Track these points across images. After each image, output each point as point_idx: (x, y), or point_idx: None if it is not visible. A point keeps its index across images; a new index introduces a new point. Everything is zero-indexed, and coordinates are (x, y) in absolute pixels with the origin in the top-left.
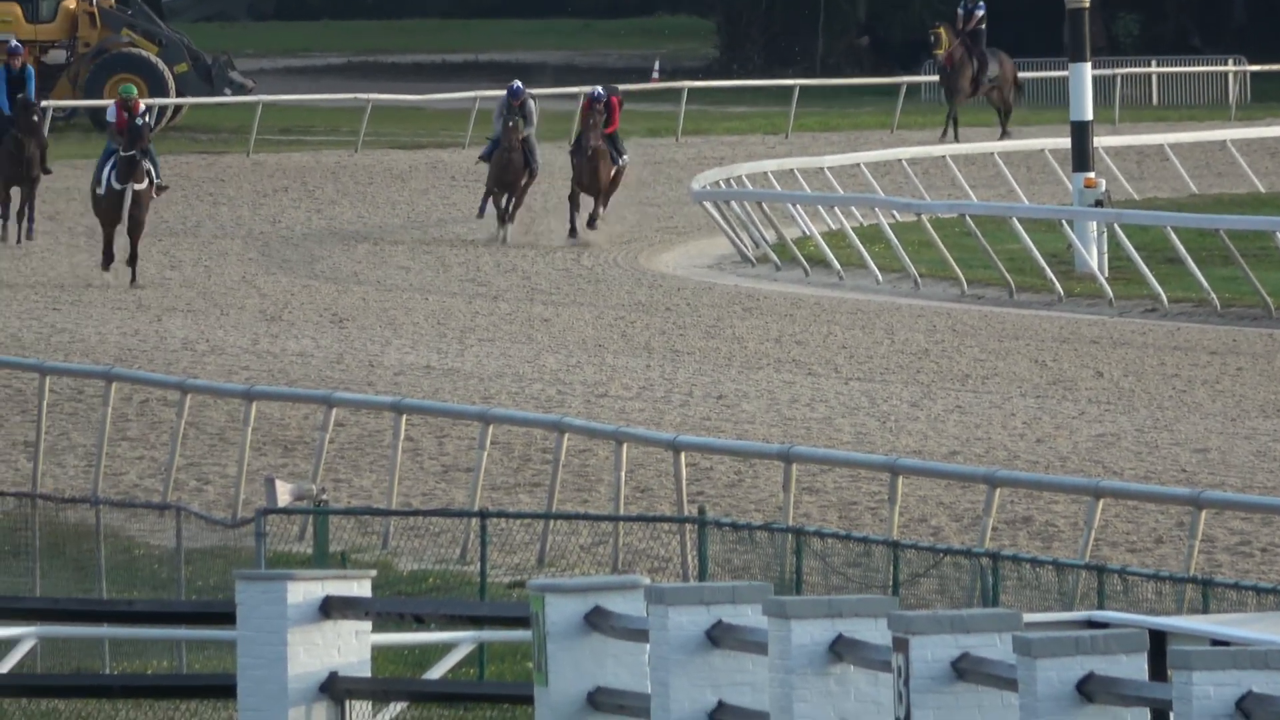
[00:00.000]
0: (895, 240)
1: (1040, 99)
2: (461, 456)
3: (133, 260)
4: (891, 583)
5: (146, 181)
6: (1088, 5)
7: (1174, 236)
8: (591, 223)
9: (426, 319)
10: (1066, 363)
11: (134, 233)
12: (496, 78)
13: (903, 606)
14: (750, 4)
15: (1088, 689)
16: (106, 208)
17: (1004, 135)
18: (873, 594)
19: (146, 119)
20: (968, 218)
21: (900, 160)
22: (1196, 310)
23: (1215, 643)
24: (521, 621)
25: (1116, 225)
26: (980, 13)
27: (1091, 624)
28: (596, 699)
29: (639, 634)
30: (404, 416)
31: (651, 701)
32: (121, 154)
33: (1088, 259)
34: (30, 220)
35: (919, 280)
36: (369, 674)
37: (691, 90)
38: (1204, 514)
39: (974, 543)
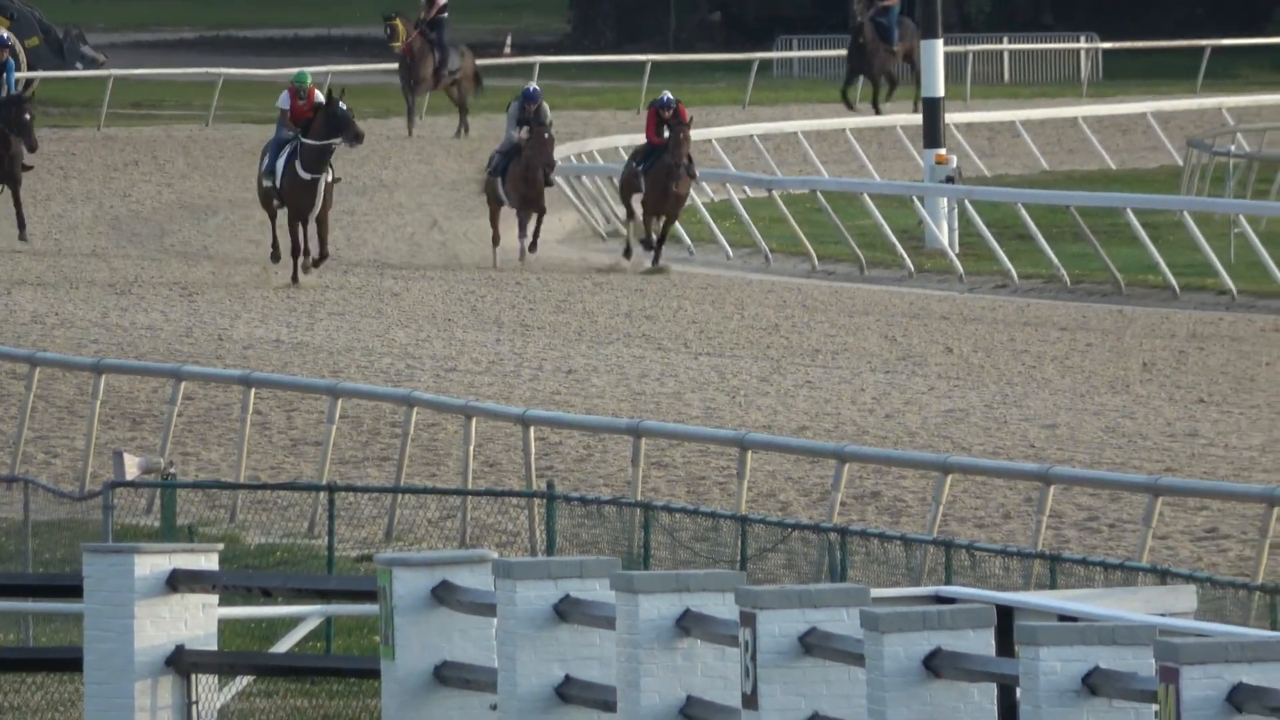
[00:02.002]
0: (746, 216)
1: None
2: (310, 430)
3: (324, 242)
4: (739, 557)
5: (332, 173)
6: None
7: (1024, 213)
8: (658, 248)
9: (276, 292)
10: (916, 338)
11: (324, 220)
12: (349, 52)
13: (750, 581)
14: None
15: (935, 664)
16: (294, 197)
17: (461, 131)
18: (720, 569)
19: (347, 106)
20: (819, 194)
21: (752, 136)
22: (1046, 286)
23: (1062, 618)
24: (369, 595)
25: (967, 201)
26: (442, 0)
27: (939, 599)
28: (443, 673)
29: (486, 608)
30: (252, 390)
31: (498, 675)
32: (312, 142)
33: (938, 235)
34: (22, 220)
35: (770, 256)
36: (215, 647)
37: (543, 65)
38: (1052, 490)
39: (822, 518)
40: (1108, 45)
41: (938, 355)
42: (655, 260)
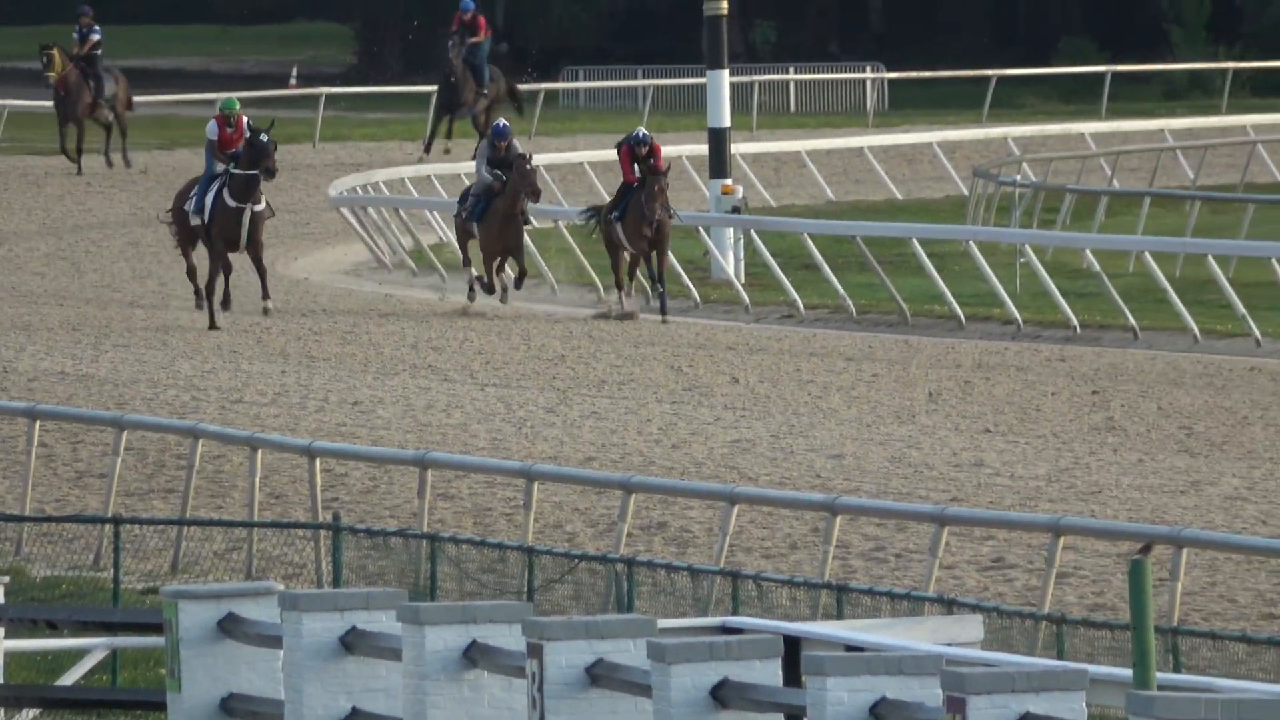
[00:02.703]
0: (533, 246)
1: (678, 106)
2: (95, 462)
3: (263, 275)
4: (526, 589)
5: (264, 202)
6: (725, 12)
7: (810, 243)
8: (659, 292)
9: (61, 325)
10: (703, 369)
11: (257, 254)
12: (133, 84)
13: (537, 613)
14: (388, 10)
15: (722, 694)
16: (222, 228)
17: (107, 160)
18: (507, 600)
19: (271, 137)
20: None
21: (538, 166)
22: (833, 317)
23: (849, 648)
24: (155, 628)
25: (753, 232)
26: (96, 37)
27: (726, 630)
28: (230, 705)
29: (273, 640)
30: (37, 422)
31: (285, 708)
32: (239, 171)
33: (724, 265)
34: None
35: (556, 287)
36: (1, 680)
37: (329, 96)
38: (838, 520)
39: (609, 549)
40: (893, 75)
41: (724, 386)
42: (663, 309)
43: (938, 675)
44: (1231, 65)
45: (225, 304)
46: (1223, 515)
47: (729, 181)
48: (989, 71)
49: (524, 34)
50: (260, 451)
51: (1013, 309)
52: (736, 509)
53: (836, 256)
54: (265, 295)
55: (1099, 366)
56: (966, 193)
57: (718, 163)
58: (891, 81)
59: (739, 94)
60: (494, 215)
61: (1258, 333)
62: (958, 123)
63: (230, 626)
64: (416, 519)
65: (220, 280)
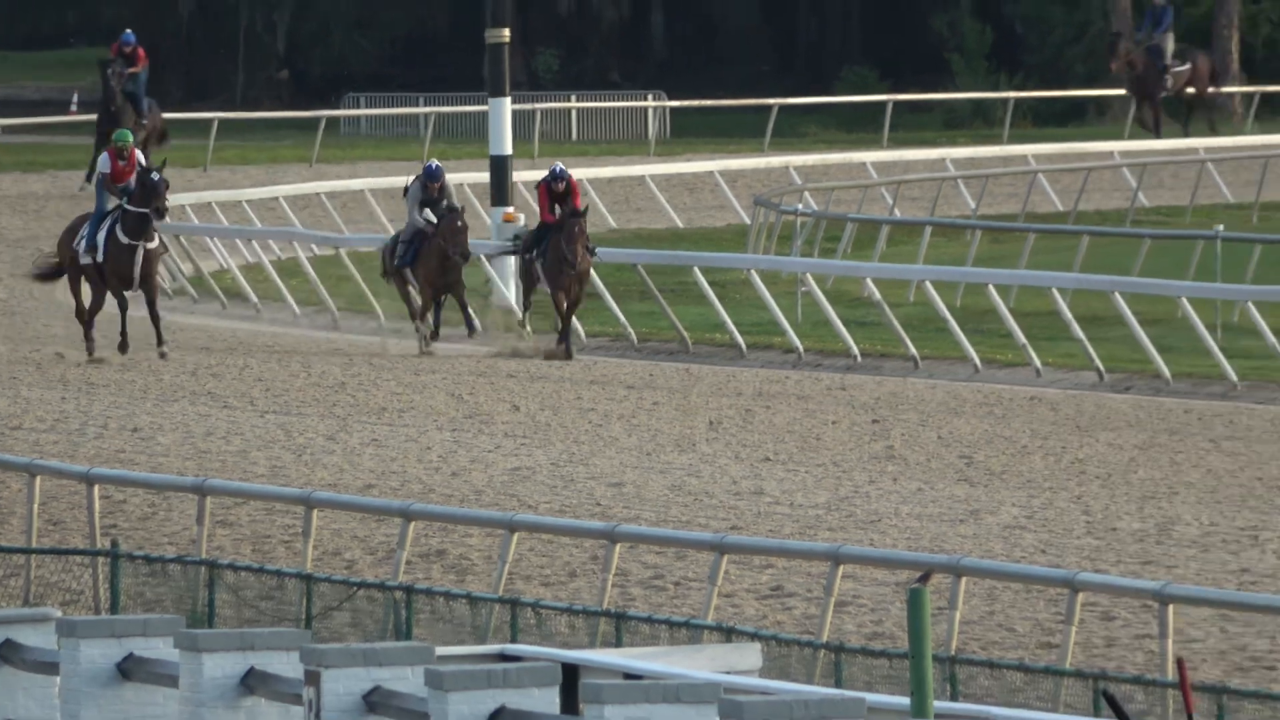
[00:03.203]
0: (313, 274)
1: (460, 133)
2: None
3: (156, 321)
4: (305, 616)
5: (157, 239)
6: (507, 40)
7: (592, 271)
8: (565, 341)
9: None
10: (483, 396)
11: (152, 294)
12: None
13: (316, 640)
14: (170, 36)
15: None
16: (115, 265)
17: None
18: (286, 627)
19: (163, 175)
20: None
21: (319, 194)
22: (614, 344)
23: (628, 676)
24: None
25: None
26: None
27: (504, 657)
28: None
29: (49, 667)
30: None
31: None
32: (132, 209)
33: (505, 293)
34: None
35: (337, 314)
36: None
37: None
38: (618, 548)
39: (388, 576)
40: (675, 103)
41: (504, 413)
42: (566, 350)
43: (716, 703)
44: (1012, 95)
45: (123, 346)
46: (1001, 544)
47: (511, 209)
48: (770, 100)
49: (305, 60)
50: (39, 478)
51: (794, 337)
52: (516, 536)
53: (618, 284)
54: (159, 341)
55: (879, 395)
56: (748, 221)
57: (499, 191)
58: (673, 110)
59: (521, 122)
60: (428, 257)
61: (1038, 362)
62: (739, 151)
63: (7, 653)
64: (195, 545)
65: (105, 311)
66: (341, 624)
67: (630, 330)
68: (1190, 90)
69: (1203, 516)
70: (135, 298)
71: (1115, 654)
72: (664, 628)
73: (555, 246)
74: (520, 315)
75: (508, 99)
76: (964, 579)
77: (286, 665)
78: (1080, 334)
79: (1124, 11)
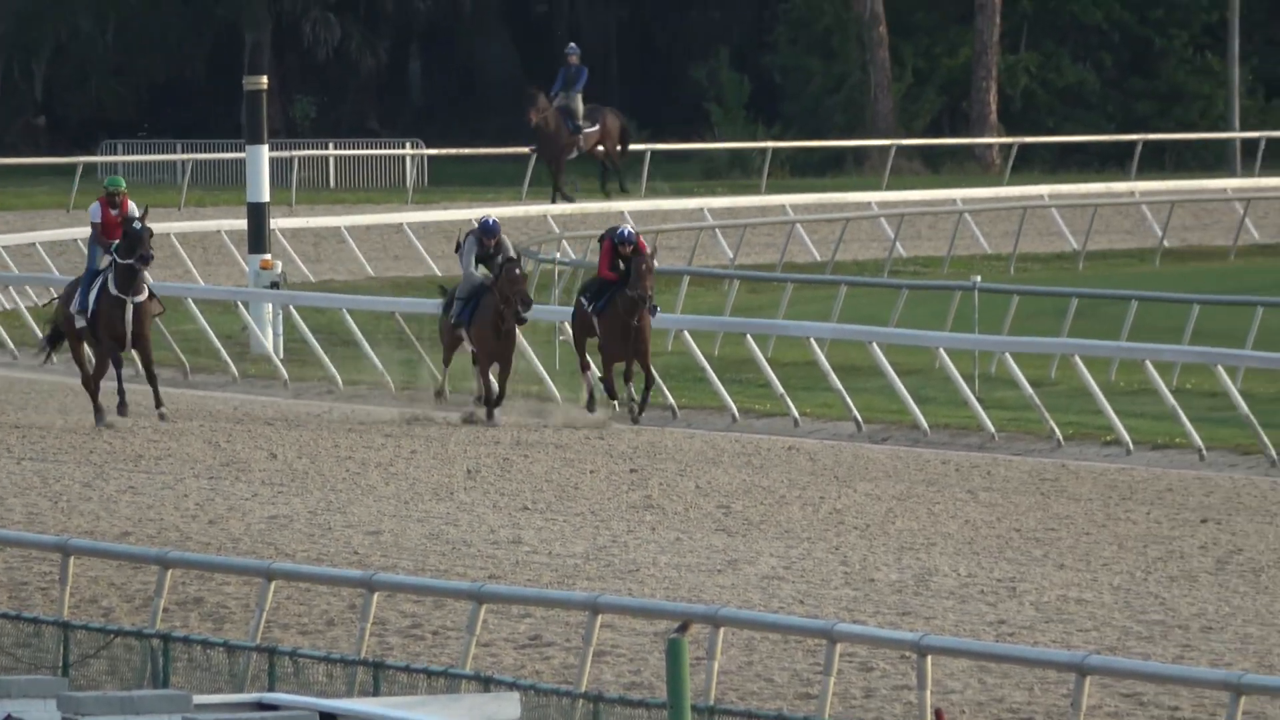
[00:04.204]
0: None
1: (217, 180)
2: None
3: (153, 382)
4: (62, 663)
5: (148, 292)
6: (265, 87)
7: (349, 319)
8: (642, 406)
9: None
10: (240, 444)
11: (145, 353)
12: None
13: (73, 687)
14: None
15: None
16: (106, 322)
17: None
18: (42, 674)
19: (145, 222)
20: None
21: (77, 240)
22: (371, 392)
23: None
24: None
25: (292, 307)
26: None
27: (262, 706)
28: None
29: None
30: None
31: None
32: (120, 260)
33: (263, 340)
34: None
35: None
36: None
37: None
38: (376, 596)
39: (145, 624)
40: (433, 151)
41: (262, 461)
42: (638, 414)
43: None
44: (770, 145)
45: (121, 408)
46: (760, 594)
47: (268, 257)
48: (528, 149)
49: (63, 105)
50: None
51: (552, 386)
52: (274, 585)
53: (375, 332)
54: (158, 403)
55: (637, 445)
56: None
57: (257, 238)
58: (431, 158)
59: (278, 169)
60: (484, 317)
61: (795, 412)
62: (498, 199)
63: None
64: None
65: (110, 372)
66: (99, 671)
67: (388, 378)
68: (600, 149)
69: (960, 567)
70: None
71: (873, 705)
72: (422, 676)
73: (620, 299)
74: (276, 360)
75: (265, 146)
76: (722, 629)
77: (44, 713)
78: (838, 384)
79: (882, 63)
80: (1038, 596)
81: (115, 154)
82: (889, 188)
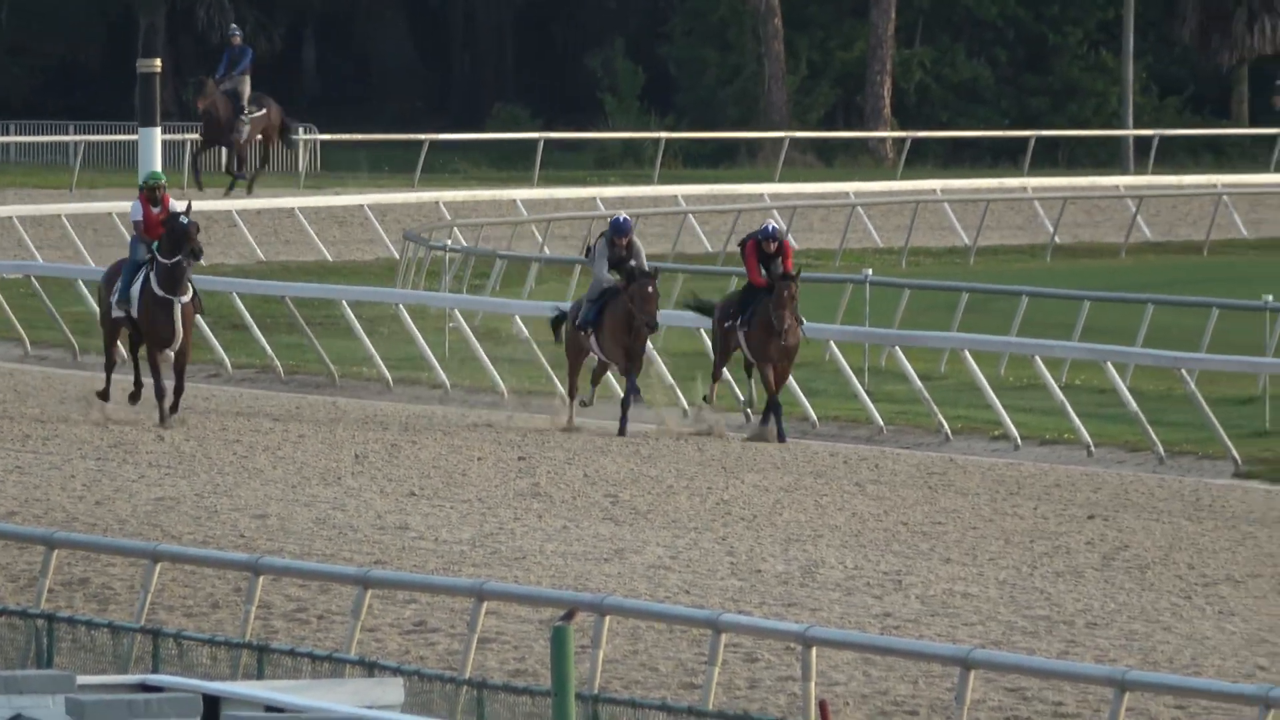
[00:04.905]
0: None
1: (111, 163)
2: None
3: (180, 392)
4: None
5: (192, 291)
6: (159, 70)
7: (239, 303)
8: (776, 419)
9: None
10: (128, 426)
11: (184, 355)
12: None
13: None
14: None
15: None
16: (152, 324)
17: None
18: None
19: (190, 216)
20: (33, 279)
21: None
22: (260, 376)
23: (269, 709)
24: None
25: None
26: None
27: (145, 687)
28: None
29: None
30: None
31: None
32: (165, 260)
33: None
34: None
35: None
36: None
37: None
38: (261, 580)
39: (30, 604)
40: (326, 137)
41: (150, 443)
42: (778, 431)
43: None
44: (664, 135)
45: (173, 408)
46: (646, 584)
47: None
48: (422, 136)
49: None
50: None
51: (441, 373)
52: (159, 566)
53: (265, 316)
54: (174, 409)
55: (526, 432)
56: (397, 256)
57: None
58: (324, 143)
59: (171, 152)
60: (614, 317)
61: (685, 403)
62: (390, 186)
63: None
64: None
65: (162, 383)
66: None
67: (277, 362)
68: (260, 137)
69: (847, 560)
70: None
71: (758, 695)
72: (306, 661)
73: (764, 314)
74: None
75: (158, 129)
76: (607, 617)
77: None
78: (728, 375)
79: (777, 55)
80: (923, 590)
81: (6, 135)
82: (782, 180)
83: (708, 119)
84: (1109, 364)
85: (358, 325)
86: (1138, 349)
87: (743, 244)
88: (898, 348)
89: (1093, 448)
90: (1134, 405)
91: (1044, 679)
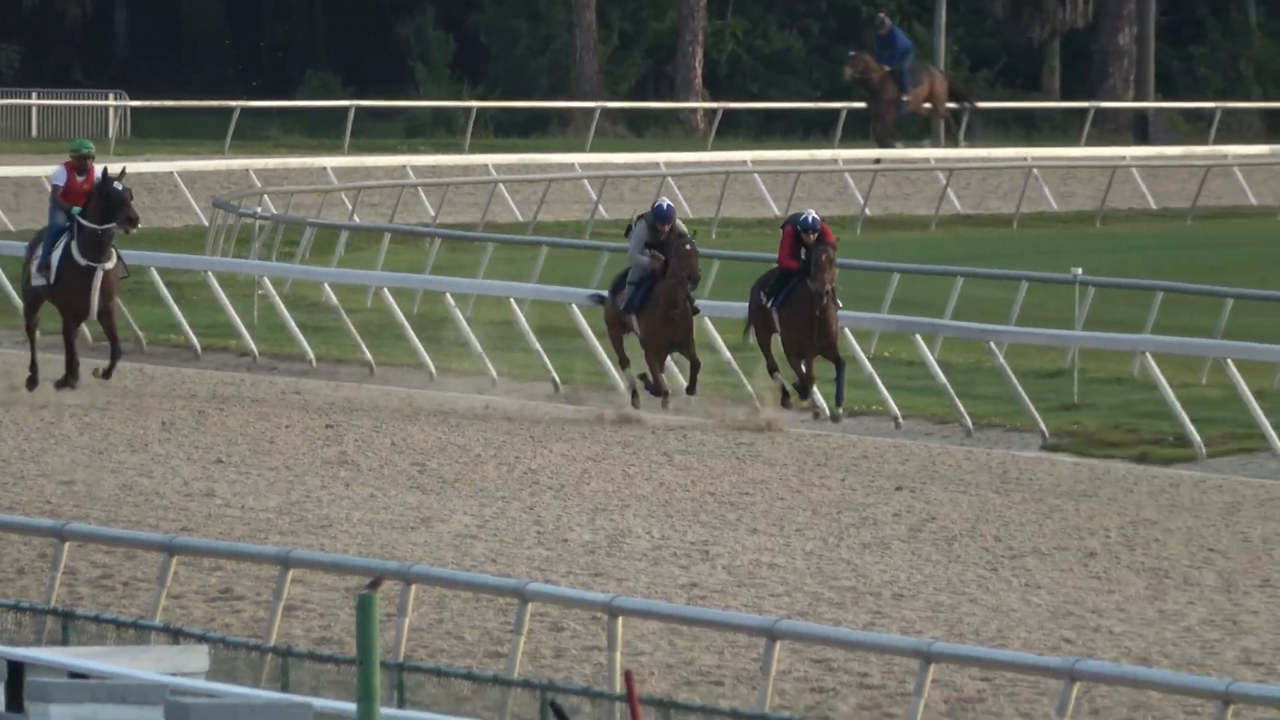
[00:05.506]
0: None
1: None
2: None
3: (116, 356)
4: None
5: (115, 257)
6: None
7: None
8: (806, 392)
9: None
10: None
11: (111, 326)
12: None
13: None
14: None
15: None
16: (69, 292)
17: None
18: None
19: (124, 183)
20: None
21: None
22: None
23: (73, 675)
24: None
25: None
26: None
27: None
28: None
29: None
30: None
31: None
32: (90, 225)
33: None
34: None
35: None
36: None
37: None
38: (67, 546)
39: None
40: (136, 103)
41: None
42: (833, 409)
43: (162, 705)
44: (475, 104)
45: (71, 376)
46: (453, 552)
47: None
48: (233, 103)
49: None
50: None
51: (249, 341)
52: None
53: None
54: (113, 356)
55: (334, 400)
56: (206, 223)
57: None
58: (135, 109)
59: None
60: (656, 304)
61: (493, 371)
62: (200, 153)
63: None
64: None
65: (76, 356)
66: None
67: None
68: None
69: (654, 530)
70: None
71: (563, 665)
72: (111, 627)
73: (801, 290)
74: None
75: None
76: (414, 586)
77: None
78: (537, 345)
79: (588, 25)
80: (730, 560)
81: None
82: (593, 150)
83: (519, 88)
84: (918, 336)
85: (166, 292)
86: (946, 321)
87: (783, 225)
88: (707, 318)
89: (901, 419)
90: (942, 377)
91: (850, 650)
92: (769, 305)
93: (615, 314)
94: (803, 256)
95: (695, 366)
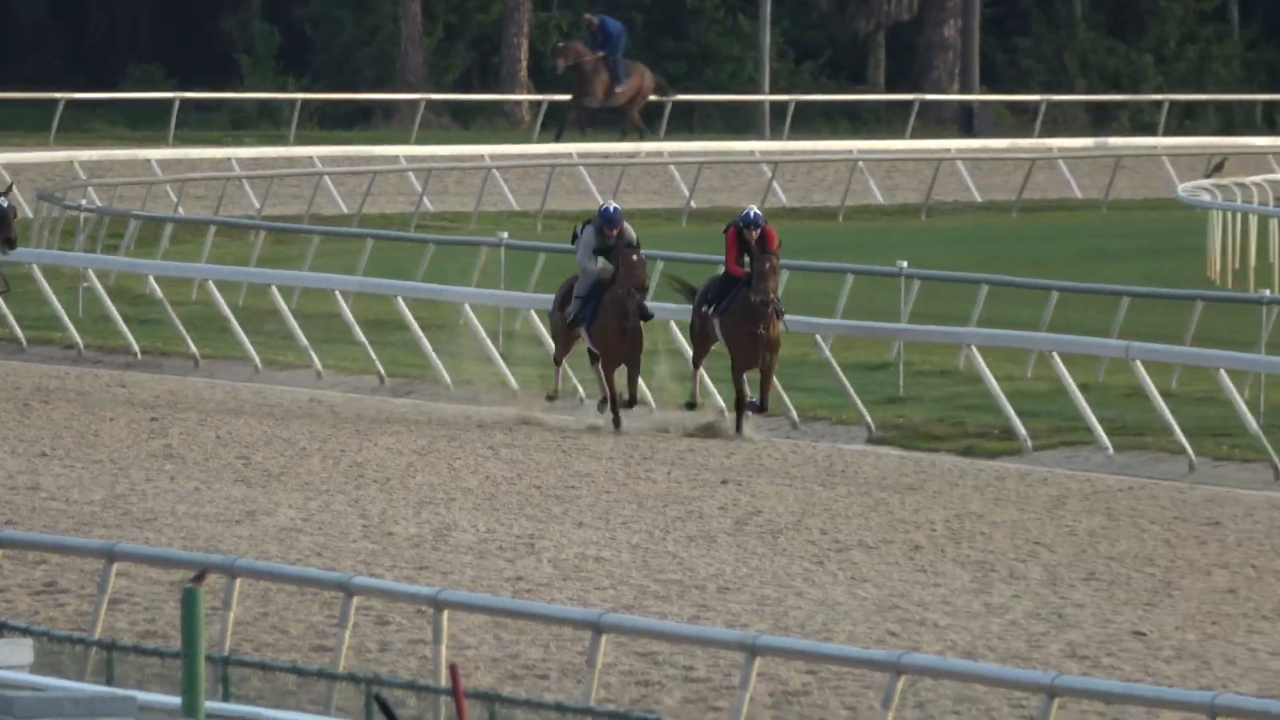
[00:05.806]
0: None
1: None
2: None
3: None
4: None
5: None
6: None
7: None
8: (759, 402)
9: None
10: None
11: None
12: None
13: None
14: None
15: None
16: None
17: None
18: None
19: (10, 199)
20: None
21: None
22: None
23: None
24: None
25: None
26: None
27: None
28: None
29: None
30: None
31: None
32: None
33: None
34: None
35: None
36: None
37: None
38: None
39: None
40: None
41: None
42: (739, 426)
43: None
44: (300, 96)
45: None
46: (278, 546)
47: None
48: (57, 94)
49: None
50: None
51: (74, 333)
52: None
53: None
54: None
55: (159, 393)
56: (31, 215)
57: None
58: None
59: None
60: (607, 316)
61: (319, 364)
62: (24, 144)
63: None
64: None
65: None
66: None
67: None
68: None
69: (480, 523)
70: None
71: (388, 659)
72: None
73: (743, 301)
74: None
75: None
76: (239, 579)
77: None
78: (362, 337)
79: (414, 16)
80: (556, 554)
81: None
82: (418, 142)
83: (344, 80)
84: None
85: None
86: None
87: (726, 229)
88: (532, 311)
89: (727, 413)
90: None
91: (675, 643)
92: (709, 312)
93: (563, 327)
94: (747, 261)
95: (635, 377)
